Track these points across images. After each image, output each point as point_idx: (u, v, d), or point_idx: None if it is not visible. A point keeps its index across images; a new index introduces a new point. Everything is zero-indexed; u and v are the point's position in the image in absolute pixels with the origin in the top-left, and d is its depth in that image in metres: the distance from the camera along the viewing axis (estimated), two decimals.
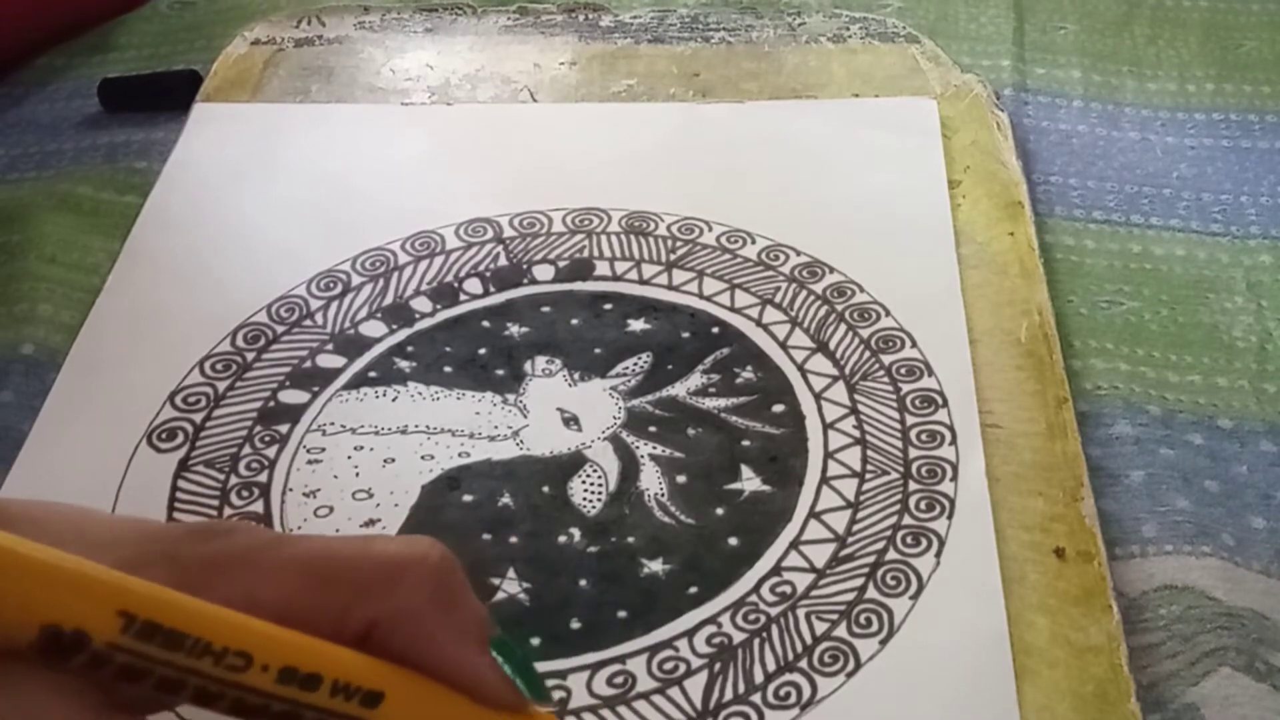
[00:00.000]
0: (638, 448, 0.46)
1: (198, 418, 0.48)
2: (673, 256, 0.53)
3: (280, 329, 0.51)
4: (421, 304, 0.52)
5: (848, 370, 0.49)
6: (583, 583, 0.42)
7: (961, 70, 0.63)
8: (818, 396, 0.48)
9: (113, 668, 0.22)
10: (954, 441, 0.46)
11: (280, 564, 0.25)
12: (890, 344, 0.49)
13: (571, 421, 0.47)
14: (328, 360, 0.50)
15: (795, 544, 0.43)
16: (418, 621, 0.26)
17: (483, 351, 0.50)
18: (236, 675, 0.23)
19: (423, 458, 0.46)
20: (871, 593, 0.41)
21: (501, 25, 0.67)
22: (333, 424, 0.47)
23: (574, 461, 0.46)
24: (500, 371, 0.49)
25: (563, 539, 0.43)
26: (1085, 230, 0.56)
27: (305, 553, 0.26)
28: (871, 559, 0.42)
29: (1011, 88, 0.63)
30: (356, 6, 0.69)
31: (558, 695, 0.39)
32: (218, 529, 0.26)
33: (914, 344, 0.49)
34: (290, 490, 0.45)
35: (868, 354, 0.49)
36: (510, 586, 0.42)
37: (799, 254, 0.53)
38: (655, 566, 0.43)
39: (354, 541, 0.27)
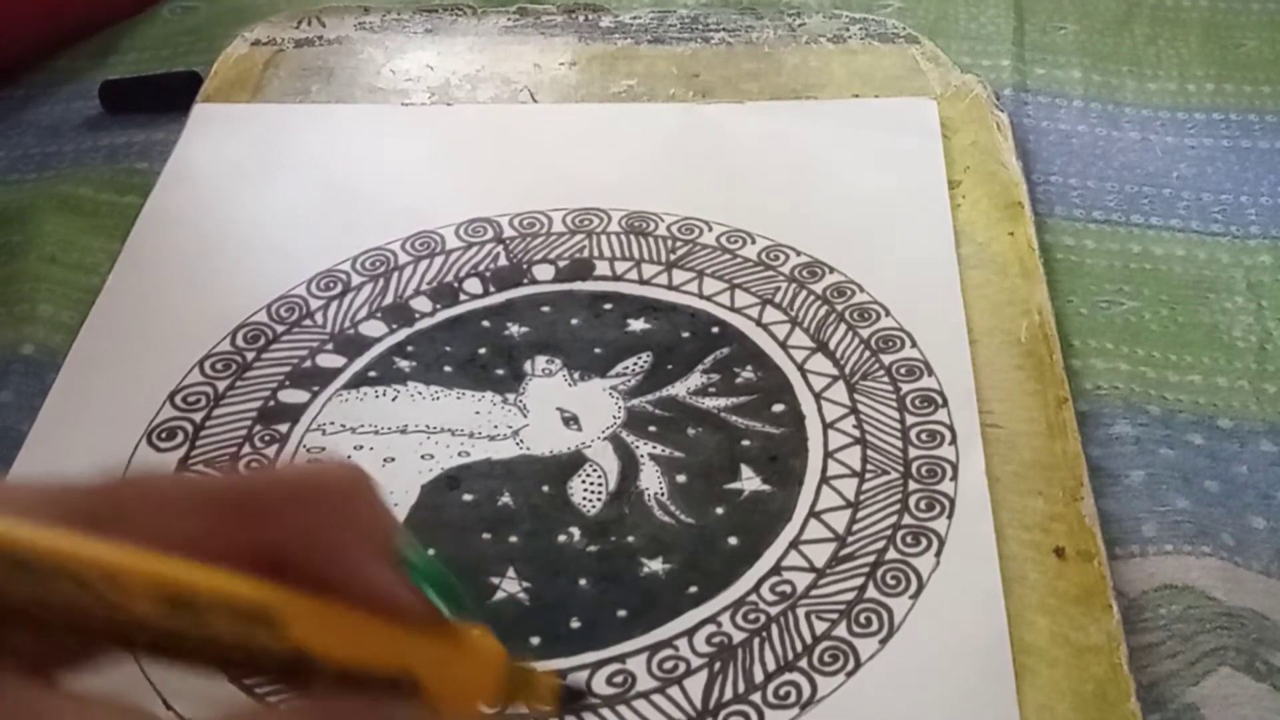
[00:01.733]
0: (637, 447, 0.46)
1: (198, 417, 0.48)
2: (673, 256, 0.53)
3: (280, 329, 0.51)
4: (421, 304, 0.52)
5: (848, 370, 0.49)
6: (582, 582, 0.42)
7: (961, 70, 0.63)
8: (818, 396, 0.48)
9: None
10: (954, 441, 0.46)
11: (184, 500, 0.25)
12: (890, 344, 0.49)
13: (571, 421, 0.47)
14: (327, 360, 0.50)
15: (795, 543, 0.43)
16: (322, 541, 0.25)
17: (483, 351, 0.50)
18: (113, 598, 0.22)
19: (422, 457, 0.46)
20: (871, 592, 0.41)
21: (501, 26, 0.67)
22: (332, 423, 0.47)
23: (574, 461, 0.46)
24: (500, 371, 0.49)
25: (562, 538, 0.43)
26: (1085, 230, 0.56)
27: (210, 487, 0.25)
28: (871, 558, 0.42)
29: (1011, 88, 0.63)
30: (356, 7, 0.69)
31: None
32: (116, 477, 0.25)
33: (914, 344, 0.49)
34: None
35: (868, 354, 0.49)
36: (510, 586, 0.42)
37: (799, 254, 0.53)
38: (655, 566, 0.43)
39: (261, 470, 0.26)
